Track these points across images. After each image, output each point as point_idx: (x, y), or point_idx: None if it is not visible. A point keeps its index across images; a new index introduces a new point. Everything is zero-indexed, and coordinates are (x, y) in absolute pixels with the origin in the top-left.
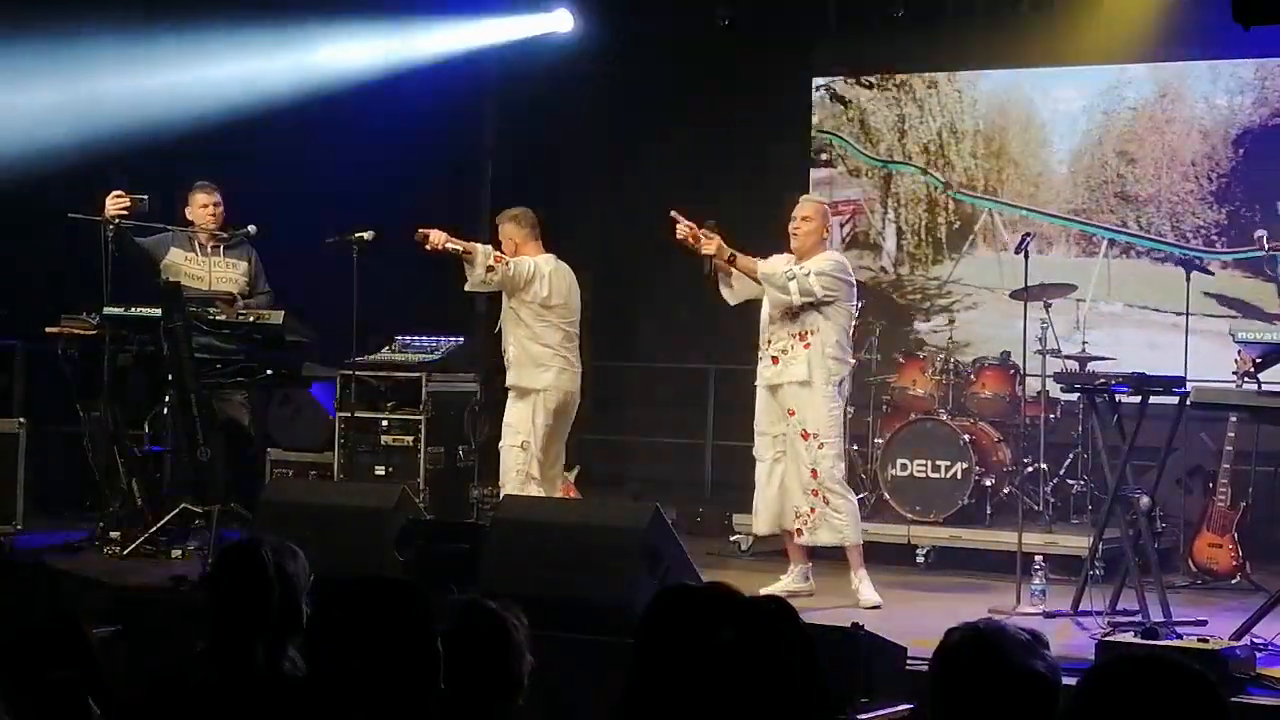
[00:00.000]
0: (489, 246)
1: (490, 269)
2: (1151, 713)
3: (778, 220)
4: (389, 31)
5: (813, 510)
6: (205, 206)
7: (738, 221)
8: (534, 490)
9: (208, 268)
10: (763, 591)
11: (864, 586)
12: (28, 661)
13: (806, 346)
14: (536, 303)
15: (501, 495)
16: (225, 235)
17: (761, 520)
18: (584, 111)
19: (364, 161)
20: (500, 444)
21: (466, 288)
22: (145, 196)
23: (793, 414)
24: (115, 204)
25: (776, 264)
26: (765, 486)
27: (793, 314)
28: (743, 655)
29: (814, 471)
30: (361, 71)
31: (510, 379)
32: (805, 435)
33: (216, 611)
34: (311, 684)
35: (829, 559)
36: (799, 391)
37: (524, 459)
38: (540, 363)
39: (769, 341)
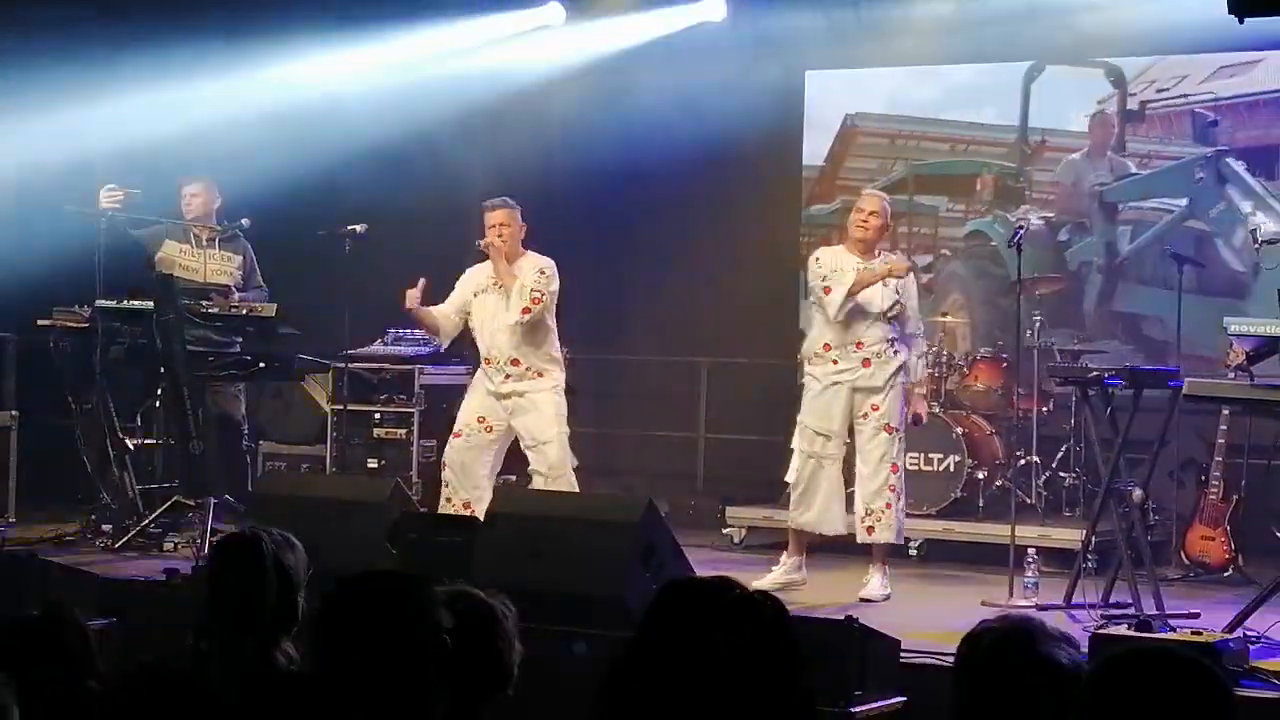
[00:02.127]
0: (525, 287)
1: (526, 310)
2: (1157, 706)
3: (770, 211)
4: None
5: (888, 506)
6: (184, 197)
7: (733, 209)
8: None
9: (202, 260)
10: (755, 585)
11: (877, 580)
12: (23, 654)
13: (896, 352)
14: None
15: (534, 483)
16: (219, 228)
17: (837, 521)
18: (580, 104)
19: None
20: (545, 436)
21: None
22: (139, 190)
23: (876, 409)
24: (109, 197)
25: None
26: (834, 488)
27: (888, 319)
28: (734, 654)
29: (895, 466)
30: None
31: (538, 369)
32: (888, 429)
33: (212, 602)
34: (316, 680)
35: (829, 552)
36: (881, 393)
37: (567, 443)
38: (555, 358)
39: (859, 344)
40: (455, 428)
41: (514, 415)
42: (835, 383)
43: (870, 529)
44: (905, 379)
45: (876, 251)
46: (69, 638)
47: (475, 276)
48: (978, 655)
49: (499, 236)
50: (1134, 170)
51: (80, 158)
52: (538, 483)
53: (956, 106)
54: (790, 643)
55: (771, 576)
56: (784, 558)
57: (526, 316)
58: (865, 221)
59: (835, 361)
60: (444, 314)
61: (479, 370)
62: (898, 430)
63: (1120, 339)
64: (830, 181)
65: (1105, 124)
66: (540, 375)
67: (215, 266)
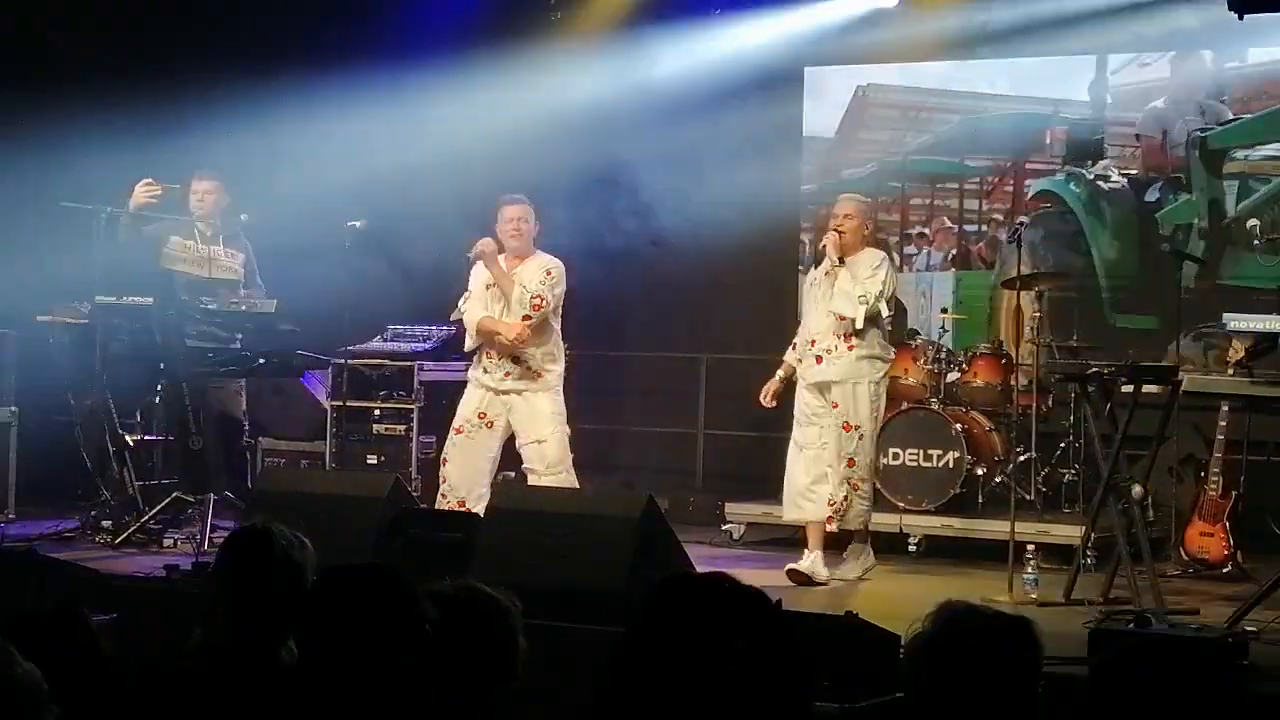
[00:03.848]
0: (526, 292)
1: (527, 318)
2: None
3: (769, 209)
4: None
5: (845, 499)
6: (197, 194)
7: (731, 205)
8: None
9: (208, 256)
10: (791, 568)
11: (849, 565)
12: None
13: (851, 348)
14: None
15: (532, 481)
16: (219, 224)
17: (795, 509)
18: (577, 97)
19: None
20: (541, 434)
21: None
22: (177, 185)
23: (836, 407)
24: (146, 192)
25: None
26: (803, 475)
27: (839, 317)
28: (732, 648)
29: (851, 461)
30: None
31: (538, 369)
32: (847, 427)
33: (220, 594)
34: (300, 672)
35: (826, 546)
36: (842, 387)
37: (566, 441)
38: (556, 356)
39: (813, 341)
40: (455, 423)
41: (512, 412)
42: (802, 378)
43: (830, 519)
44: (879, 373)
45: (862, 246)
46: (79, 634)
47: (484, 271)
48: (919, 654)
49: (515, 231)
50: (1232, 116)
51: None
52: (533, 481)
53: (968, 80)
54: (787, 636)
55: (804, 564)
56: (807, 552)
57: (527, 324)
58: (840, 224)
59: (800, 360)
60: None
61: (477, 364)
62: (858, 428)
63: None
64: (843, 154)
65: (1197, 62)
66: (540, 375)
67: (220, 262)
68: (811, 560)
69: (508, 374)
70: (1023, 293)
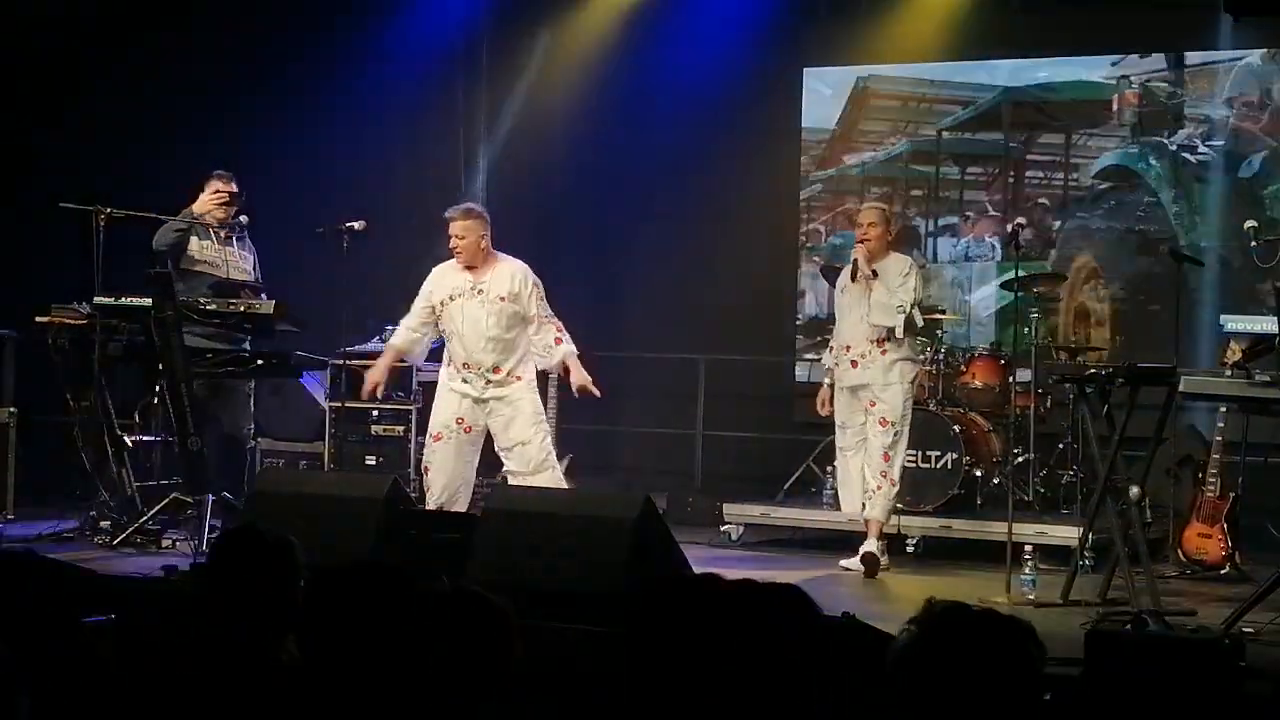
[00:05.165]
0: (565, 348)
1: (559, 340)
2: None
3: (768, 208)
4: None
5: (879, 488)
6: (220, 194)
7: (730, 207)
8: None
9: (224, 256)
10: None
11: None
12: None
13: (884, 353)
14: None
15: (529, 480)
16: (223, 227)
17: (848, 504)
18: (576, 101)
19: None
20: (524, 437)
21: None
22: (242, 194)
23: (873, 405)
24: (215, 199)
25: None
26: (847, 478)
27: (873, 327)
28: (745, 646)
29: (885, 455)
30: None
31: (517, 373)
32: (883, 423)
33: (212, 596)
34: (304, 670)
35: (826, 549)
36: (878, 389)
37: (549, 439)
38: (530, 354)
39: (848, 347)
40: (432, 430)
41: (491, 416)
42: (839, 382)
43: (862, 505)
44: (911, 374)
45: (886, 252)
46: (66, 631)
47: (445, 280)
48: (906, 659)
49: (451, 247)
50: None
51: None
52: (514, 483)
53: (968, 70)
54: (801, 631)
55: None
56: (872, 541)
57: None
58: (865, 234)
59: (837, 364)
60: (411, 340)
61: (455, 375)
62: (893, 424)
63: None
64: (844, 145)
65: None
66: (519, 378)
67: (235, 264)
68: (869, 545)
69: (489, 383)
70: (1082, 292)
